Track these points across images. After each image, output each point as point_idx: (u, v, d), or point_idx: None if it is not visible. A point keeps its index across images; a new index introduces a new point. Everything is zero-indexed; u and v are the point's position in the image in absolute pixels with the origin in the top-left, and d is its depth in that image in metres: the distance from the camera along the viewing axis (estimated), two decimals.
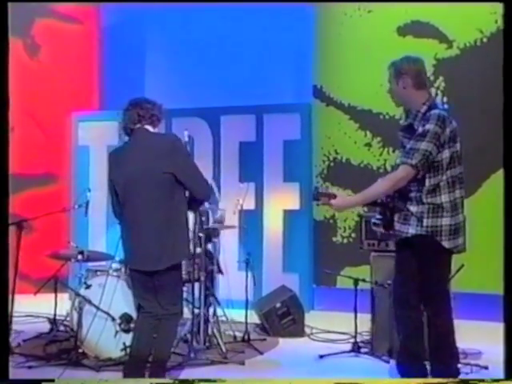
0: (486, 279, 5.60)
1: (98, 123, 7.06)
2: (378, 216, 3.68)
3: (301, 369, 4.34)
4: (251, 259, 5.19)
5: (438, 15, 6.16)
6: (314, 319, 5.62)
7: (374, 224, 3.73)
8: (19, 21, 7.29)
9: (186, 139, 4.41)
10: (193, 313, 4.62)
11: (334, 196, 3.58)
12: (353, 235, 6.29)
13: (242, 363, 4.41)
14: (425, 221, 3.48)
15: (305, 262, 6.25)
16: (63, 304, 5.15)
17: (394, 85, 3.60)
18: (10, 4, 7.34)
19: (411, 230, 3.51)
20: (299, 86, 6.72)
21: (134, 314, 4.38)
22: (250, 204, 6.09)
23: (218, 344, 4.60)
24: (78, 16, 7.59)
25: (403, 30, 6.24)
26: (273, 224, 6.36)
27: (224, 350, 4.53)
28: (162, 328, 3.67)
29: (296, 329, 5.29)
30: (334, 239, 6.37)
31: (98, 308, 4.41)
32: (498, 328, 5.16)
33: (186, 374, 4.16)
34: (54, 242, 6.41)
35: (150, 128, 3.74)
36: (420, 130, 3.45)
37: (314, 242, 6.32)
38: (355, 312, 4.74)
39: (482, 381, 3.58)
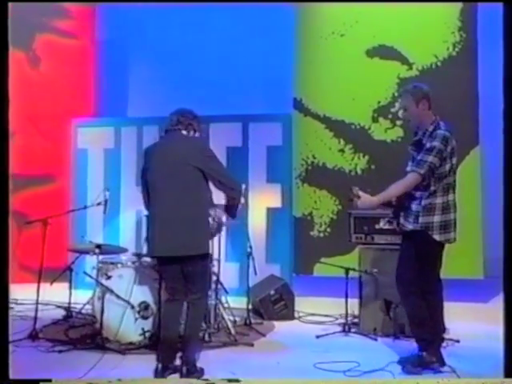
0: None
1: (95, 128, 6.77)
2: (391, 215, 3.89)
3: (305, 349, 4.25)
4: (252, 251, 5.06)
5: (400, 41, 6.24)
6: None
7: (389, 222, 3.87)
8: (22, 36, 6.95)
9: None
10: None
11: (359, 197, 3.71)
12: (328, 230, 6.27)
13: (251, 345, 4.30)
14: (420, 218, 3.66)
15: (285, 253, 6.14)
16: (65, 292, 4.99)
17: (413, 107, 3.70)
18: (13, 19, 7.02)
19: (410, 225, 3.70)
20: (281, 99, 6.64)
21: (151, 302, 4.22)
22: None
23: (228, 328, 4.46)
24: (75, 32, 7.27)
25: (371, 53, 6.27)
26: (257, 220, 6.23)
27: (233, 332, 4.40)
28: (191, 312, 3.53)
29: (287, 313, 5.22)
30: (312, 233, 6.33)
31: (118, 297, 4.21)
32: (463, 307, 5.36)
33: (202, 355, 3.99)
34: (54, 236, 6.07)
35: (184, 133, 3.60)
36: (428, 145, 3.63)
37: (293, 235, 6.23)
38: (346, 297, 4.69)
39: None
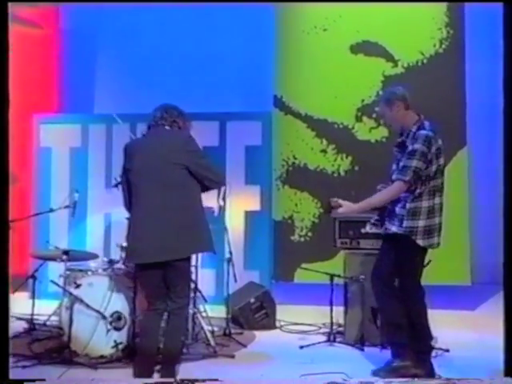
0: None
1: (60, 125, 6.54)
2: (377, 217, 3.86)
3: (289, 360, 4.16)
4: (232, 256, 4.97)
5: (385, 37, 6.22)
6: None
7: (373, 224, 3.83)
8: None
9: None
10: None
11: (340, 205, 3.72)
12: (309, 234, 6.20)
13: (232, 356, 4.19)
14: (404, 222, 3.64)
15: (265, 259, 6.06)
16: (26, 303, 4.78)
17: (387, 112, 3.76)
18: None
19: (394, 228, 3.69)
20: (260, 96, 6.53)
21: (124, 312, 4.07)
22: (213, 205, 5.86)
23: (207, 338, 4.34)
24: (38, 21, 7.04)
25: (355, 49, 6.23)
26: (235, 224, 6.11)
27: (213, 344, 4.29)
28: (172, 322, 3.39)
29: (268, 322, 5.13)
30: (292, 238, 6.24)
31: (88, 307, 4.05)
32: (450, 315, 5.35)
33: (182, 368, 3.86)
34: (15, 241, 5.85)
35: (167, 128, 3.48)
36: (410, 148, 3.62)
37: (273, 240, 6.15)
38: (331, 304, 4.62)
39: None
